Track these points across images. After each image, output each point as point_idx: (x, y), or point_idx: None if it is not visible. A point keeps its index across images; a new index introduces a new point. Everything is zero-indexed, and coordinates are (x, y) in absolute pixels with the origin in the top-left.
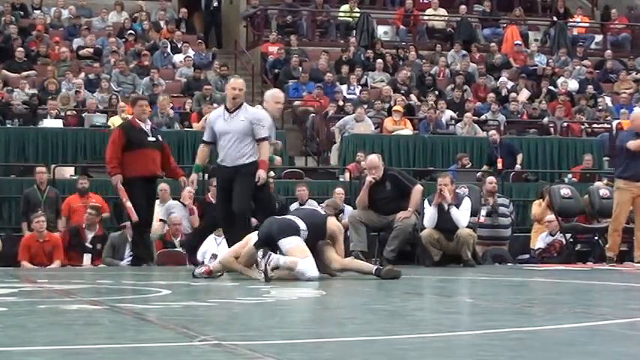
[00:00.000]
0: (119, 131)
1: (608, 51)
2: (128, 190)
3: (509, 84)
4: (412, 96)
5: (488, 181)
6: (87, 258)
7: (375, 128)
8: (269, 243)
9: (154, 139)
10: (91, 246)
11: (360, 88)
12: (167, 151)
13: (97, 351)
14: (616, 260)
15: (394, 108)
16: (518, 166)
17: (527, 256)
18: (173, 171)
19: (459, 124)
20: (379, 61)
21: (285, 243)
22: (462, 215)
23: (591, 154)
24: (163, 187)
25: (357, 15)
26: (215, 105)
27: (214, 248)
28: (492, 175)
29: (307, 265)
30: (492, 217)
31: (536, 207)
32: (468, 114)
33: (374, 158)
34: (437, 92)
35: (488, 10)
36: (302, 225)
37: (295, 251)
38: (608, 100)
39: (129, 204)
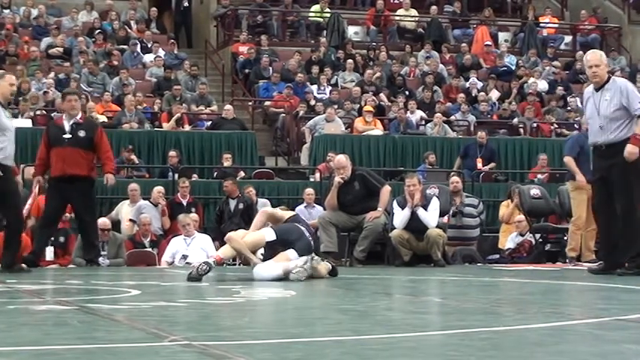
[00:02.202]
0: (45, 129)
1: (580, 52)
2: (47, 190)
3: (479, 84)
4: (381, 95)
5: (451, 181)
6: (49, 252)
7: (346, 128)
8: (284, 244)
9: (69, 136)
10: (52, 239)
11: (330, 88)
12: (100, 145)
13: (67, 351)
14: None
15: (365, 108)
16: (486, 168)
17: (497, 256)
18: (102, 165)
19: (429, 125)
20: (349, 61)
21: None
22: (429, 216)
23: (545, 154)
24: (133, 187)
25: (328, 15)
26: (184, 105)
27: (184, 249)
28: (457, 176)
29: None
30: (457, 217)
31: (504, 208)
32: (439, 114)
33: (341, 158)
34: (407, 92)
35: (458, 10)
36: (310, 237)
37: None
38: (577, 100)
39: (26, 207)
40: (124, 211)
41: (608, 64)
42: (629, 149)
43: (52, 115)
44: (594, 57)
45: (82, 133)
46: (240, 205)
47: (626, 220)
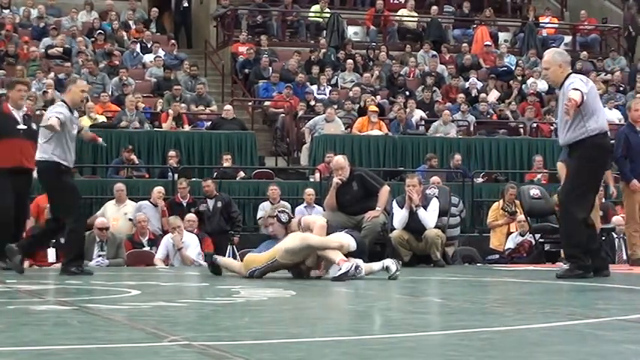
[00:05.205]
0: None
1: (585, 52)
2: None
3: (479, 84)
4: (379, 97)
5: (431, 181)
6: (51, 253)
7: (346, 128)
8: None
9: (24, 127)
10: (54, 241)
11: (330, 88)
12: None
13: (67, 351)
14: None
15: (370, 108)
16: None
17: (497, 256)
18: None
19: (435, 124)
20: (349, 61)
21: None
22: (429, 216)
23: (541, 156)
24: (119, 187)
25: (328, 15)
26: (183, 105)
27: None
28: (437, 176)
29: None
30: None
31: (493, 212)
32: (447, 111)
33: (339, 159)
34: (407, 93)
35: (467, 10)
36: None
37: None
38: None
39: None
40: (109, 211)
41: (565, 64)
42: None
43: None
44: (545, 58)
45: (34, 126)
46: (219, 204)
47: (562, 218)
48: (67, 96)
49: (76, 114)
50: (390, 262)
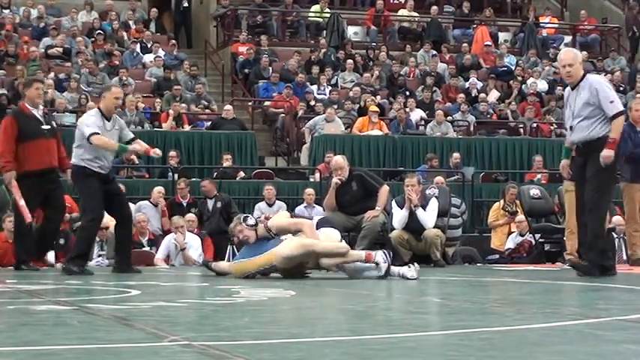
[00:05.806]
0: (11, 119)
1: (585, 52)
2: (22, 186)
3: (479, 84)
4: (379, 97)
5: (435, 181)
6: (50, 255)
7: (346, 128)
8: None
9: (48, 126)
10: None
11: (330, 88)
12: (59, 138)
13: (67, 351)
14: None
15: (371, 108)
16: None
17: (497, 256)
18: (61, 161)
19: (430, 124)
20: (349, 61)
21: None
22: (428, 216)
23: (541, 156)
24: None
25: (328, 15)
26: (183, 105)
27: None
28: (441, 176)
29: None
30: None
31: (494, 212)
32: (440, 111)
33: (339, 159)
34: (407, 93)
35: (465, 10)
36: None
37: None
38: None
39: (22, 203)
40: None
41: (583, 63)
42: (605, 153)
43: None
44: (568, 56)
45: (54, 124)
46: (219, 204)
47: (590, 217)
48: (101, 103)
49: (120, 121)
50: (405, 270)
